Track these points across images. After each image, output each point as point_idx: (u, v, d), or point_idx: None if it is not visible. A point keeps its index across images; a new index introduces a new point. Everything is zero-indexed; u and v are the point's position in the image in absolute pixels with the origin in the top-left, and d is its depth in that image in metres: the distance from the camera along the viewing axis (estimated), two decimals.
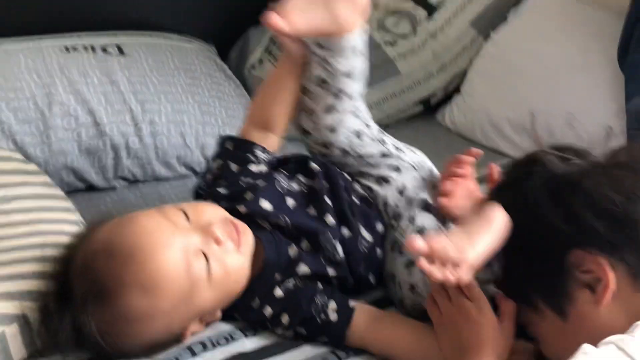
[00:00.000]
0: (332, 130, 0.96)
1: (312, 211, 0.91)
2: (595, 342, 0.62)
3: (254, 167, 0.93)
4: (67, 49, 1.34)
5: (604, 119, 1.33)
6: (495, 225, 0.71)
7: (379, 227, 0.94)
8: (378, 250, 0.93)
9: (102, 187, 1.25)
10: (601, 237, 0.69)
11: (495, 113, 1.46)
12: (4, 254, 0.87)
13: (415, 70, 1.60)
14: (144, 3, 1.61)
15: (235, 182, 0.92)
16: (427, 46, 1.61)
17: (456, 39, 1.60)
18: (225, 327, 0.85)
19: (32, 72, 1.26)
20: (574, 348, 0.62)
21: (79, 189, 1.23)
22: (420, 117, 1.61)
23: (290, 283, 0.85)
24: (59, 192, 1.08)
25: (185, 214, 0.81)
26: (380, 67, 1.59)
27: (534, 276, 0.73)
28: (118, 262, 0.77)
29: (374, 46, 1.63)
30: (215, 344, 0.82)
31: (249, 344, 0.83)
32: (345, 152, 0.97)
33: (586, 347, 0.61)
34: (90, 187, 1.24)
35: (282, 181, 0.94)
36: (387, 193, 0.95)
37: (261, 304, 0.84)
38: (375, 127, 1.01)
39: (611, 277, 0.68)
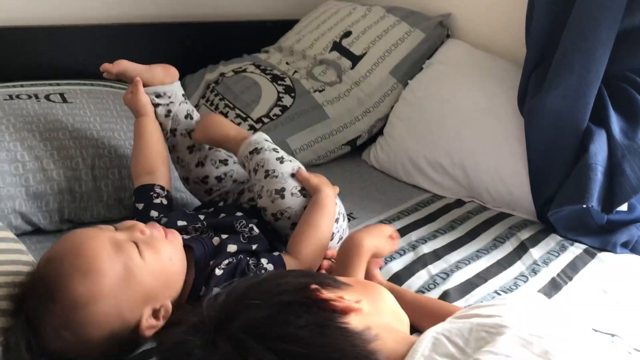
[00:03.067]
0: (201, 164, 1.26)
1: (222, 216, 1.13)
2: None
3: (156, 200, 1.15)
4: (10, 97, 1.39)
5: (509, 158, 1.46)
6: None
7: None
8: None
9: (49, 230, 1.28)
10: None
11: (414, 153, 1.59)
12: None
13: (342, 114, 1.73)
14: (84, 53, 1.69)
15: (146, 215, 1.12)
16: (352, 93, 1.76)
17: (378, 86, 1.75)
18: None
19: None
20: None
21: (26, 232, 1.26)
22: (347, 156, 1.74)
23: (225, 262, 0.98)
24: (10, 234, 1.10)
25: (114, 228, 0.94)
26: (311, 112, 1.72)
27: None
28: (56, 261, 0.86)
29: (304, 93, 1.76)
30: None
31: None
32: (219, 179, 1.26)
33: None
34: (38, 230, 1.27)
35: (189, 210, 1.19)
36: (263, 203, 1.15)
37: (207, 288, 0.94)
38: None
39: None
